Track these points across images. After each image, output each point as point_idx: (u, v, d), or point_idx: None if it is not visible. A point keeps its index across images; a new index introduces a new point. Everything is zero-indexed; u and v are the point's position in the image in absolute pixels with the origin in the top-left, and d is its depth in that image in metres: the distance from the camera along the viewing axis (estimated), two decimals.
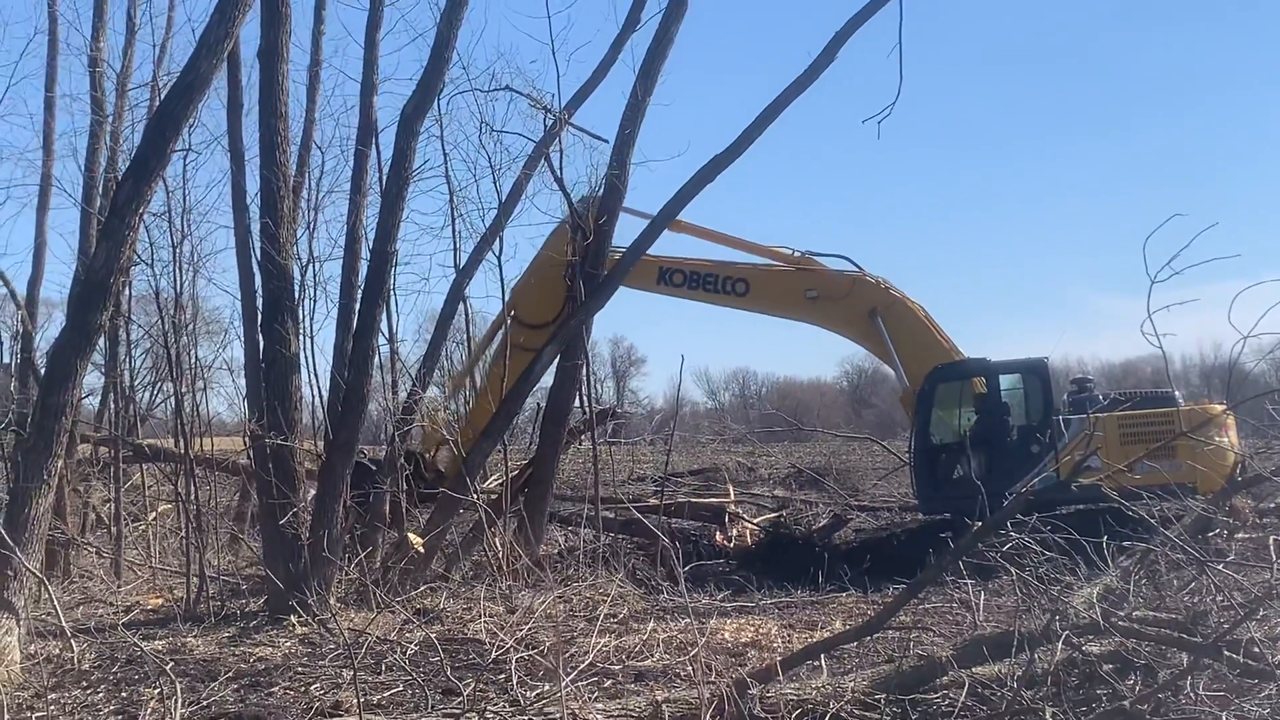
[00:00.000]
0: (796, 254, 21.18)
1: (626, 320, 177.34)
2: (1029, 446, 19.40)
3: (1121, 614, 9.08)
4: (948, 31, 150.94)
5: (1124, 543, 10.66)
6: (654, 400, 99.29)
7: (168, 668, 10.29)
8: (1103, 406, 16.64)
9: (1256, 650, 8.13)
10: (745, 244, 21.37)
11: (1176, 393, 18.82)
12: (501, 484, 18.75)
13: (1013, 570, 9.44)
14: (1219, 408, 16.11)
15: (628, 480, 33.30)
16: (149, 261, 16.83)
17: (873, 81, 17.03)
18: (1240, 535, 12.64)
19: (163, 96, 13.90)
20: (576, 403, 19.22)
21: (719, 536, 21.96)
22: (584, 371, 18.90)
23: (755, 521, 23.23)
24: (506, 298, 19.26)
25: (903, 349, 20.28)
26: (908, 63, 14.33)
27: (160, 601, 15.93)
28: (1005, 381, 20.32)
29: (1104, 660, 8.93)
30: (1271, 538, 10.51)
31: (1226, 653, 8.04)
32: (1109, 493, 9.80)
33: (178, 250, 16.93)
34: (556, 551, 19.43)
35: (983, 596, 11.80)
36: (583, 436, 20.40)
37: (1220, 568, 9.46)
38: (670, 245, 20.55)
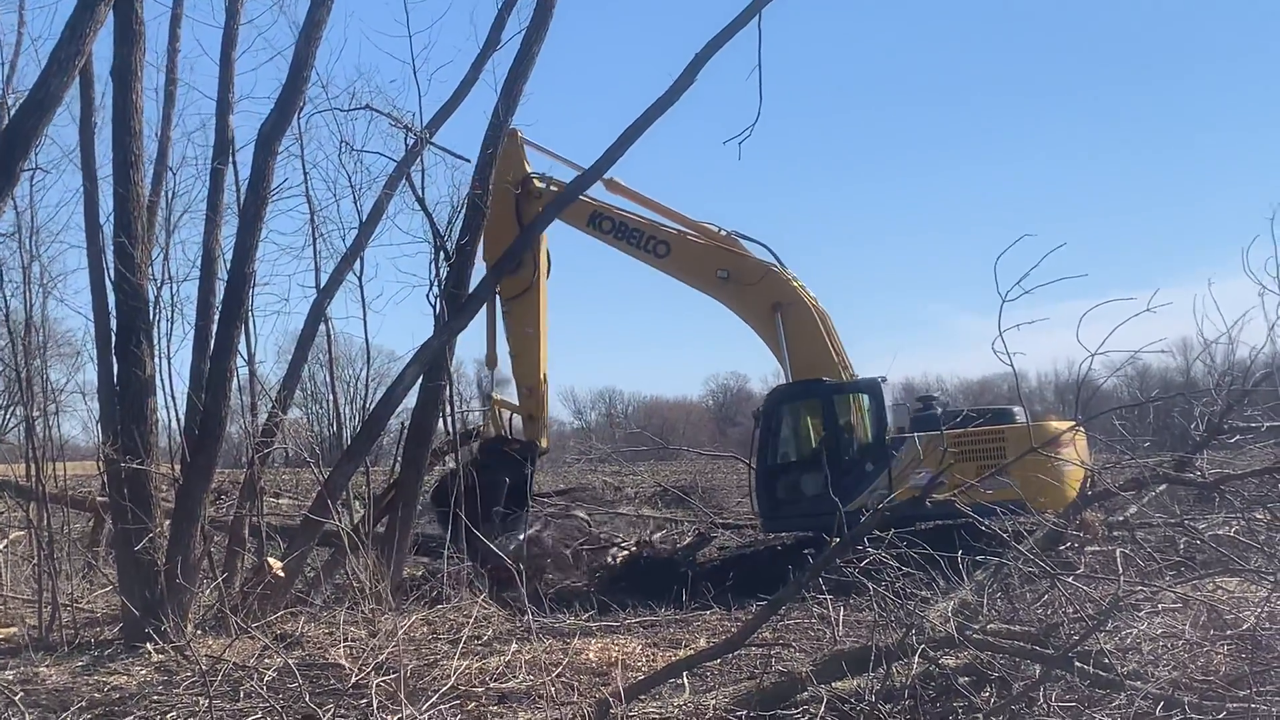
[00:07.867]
0: (723, 232, 21.56)
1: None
2: (865, 465, 19.86)
3: (976, 627, 9.27)
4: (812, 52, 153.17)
5: (979, 557, 10.88)
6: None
7: (17, 698, 10.05)
8: (949, 424, 16.95)
9: (1106, 661, 8.34)
10: (675, 214, 21.84)
11: (1018, 409, 19.29)
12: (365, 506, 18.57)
13: (870, 586, 9.60)
14: (1063, 424, 16.57)
15: None
16: None
17: (733, 101, 17.23)
18: (1091, 548, 12.90)
19: (11, 115, 13.58)
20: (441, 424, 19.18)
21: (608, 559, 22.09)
22: (448, 392, 18.77)
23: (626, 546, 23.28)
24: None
25: (794, 350, 20.62)
26: (770, 85, 14.54)
27: (11, 630, 15.50)
28: (846, 401, 20.79)
29: (960, 673, 9.10)
30: (1119, 550, 10.81)
31: (1078, 664, 8.24)
32: (963, 508, 9.99)
33: (27, 271, 16.54)
34: (420, 574, 19.27)
35: (842, 612, 11.94)
36: (447, 458, 20.30)
37: (1071, 580, 9.69)
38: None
